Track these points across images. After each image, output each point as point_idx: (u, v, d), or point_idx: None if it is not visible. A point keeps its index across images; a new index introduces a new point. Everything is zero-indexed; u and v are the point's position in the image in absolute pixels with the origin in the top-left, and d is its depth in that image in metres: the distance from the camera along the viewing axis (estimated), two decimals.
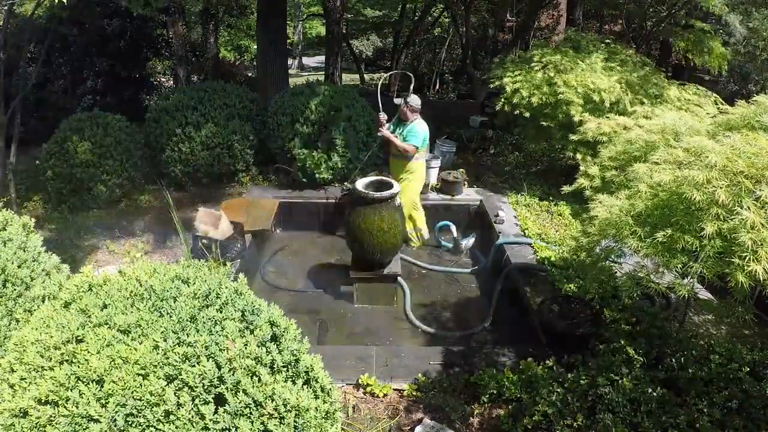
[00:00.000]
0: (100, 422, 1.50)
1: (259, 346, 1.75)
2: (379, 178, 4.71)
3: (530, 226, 5.11)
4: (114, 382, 1.55)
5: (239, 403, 1.60)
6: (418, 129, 5.03)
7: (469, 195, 6.08)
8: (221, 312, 1.85)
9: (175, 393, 1.56)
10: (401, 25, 11.96)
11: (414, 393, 3.03)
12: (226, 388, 1.61)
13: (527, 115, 5.60)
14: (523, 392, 2.89)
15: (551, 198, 5.77)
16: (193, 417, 1.55)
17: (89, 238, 5.12)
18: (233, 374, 1.64)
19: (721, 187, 2.02)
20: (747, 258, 1.88)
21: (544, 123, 5.57)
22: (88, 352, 1.63)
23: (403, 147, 5.02)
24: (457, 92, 12.90)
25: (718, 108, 3.43)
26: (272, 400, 1.65)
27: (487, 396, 2.93)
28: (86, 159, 5.44)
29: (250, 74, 12.48)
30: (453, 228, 5.66)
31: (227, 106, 6.20)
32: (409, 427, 2.81)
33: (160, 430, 1.51)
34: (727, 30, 8.77)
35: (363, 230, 4.27)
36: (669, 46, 11.25)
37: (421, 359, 3.31)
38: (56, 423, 1.52)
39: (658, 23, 8.37)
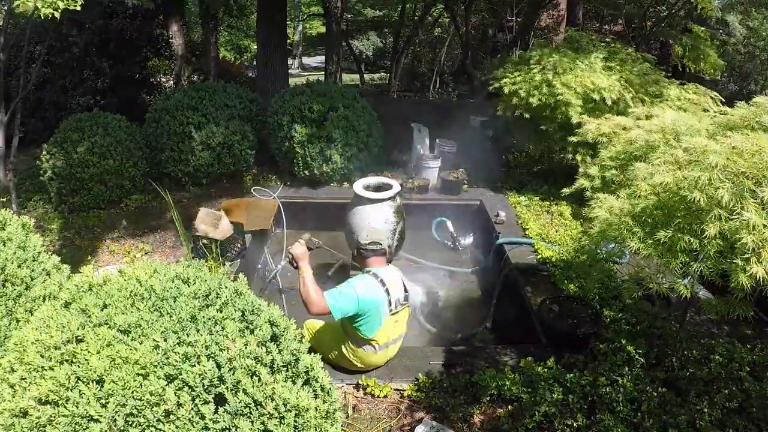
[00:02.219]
0: (100, 422, 1.50)
1: (259, 346, 1.74)
2: (379, 178, 4.72)
3: (531, 227, 5.10)
4: (114, 382, 1.55)
5: (239, 402, 1.60)
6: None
7: (470, 195, 6.08)
8: (221, 312, 1.85)
9: (175, 393, 1.56)
10: (401, 25, 11.96)
11: (414, 393, 3.03)
12: (226, 388, 1.61)
13: (526, 116, 5.60)
14: (524, 392, 2.89)
15: (552, 198, 5.77)
16: (193, 417, 1.54)
17: (89, 238, 5.12)
18: (233, 374, 1.64)
19: (723, 188, 2.01)
20: (749, 259, 1.88)
21: (543, 125, 5.57)
22: (89, 352, 1.63)
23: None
24: (457, 92, 12.90)
25: (718, 108, 3.42)
26: (272, 399, 1.65)
27: (488, 396, 2.93)
28: (86, 159, 5.44)
29: (250, 74, 12.48)
30: (449, 224, 5.67)
31: (227, 107, 6.20)
32: (409, 428, 2.81)
33: (160, 430, 1.51)
34: (727, 30, 8.78)
35: (364, 230, 4.27)
36: (669, 46, 11.26)
37: (422, 359, 3.31)
38: (56, 423, 1.51)
39: (657, 23, 8.38)
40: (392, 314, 2.83)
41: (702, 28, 8.06)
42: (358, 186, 4.40)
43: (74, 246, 4.98)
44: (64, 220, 5.39)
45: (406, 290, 2.91)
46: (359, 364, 3.02)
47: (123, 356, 1.61)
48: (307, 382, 1.85)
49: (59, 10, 3.40)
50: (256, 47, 10.22)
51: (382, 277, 2.81)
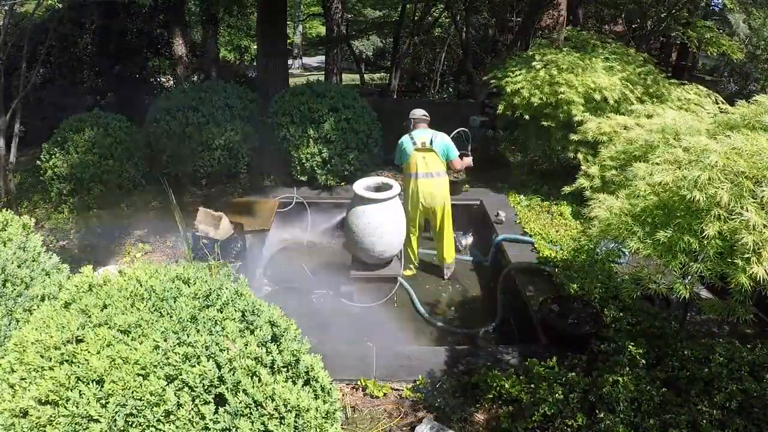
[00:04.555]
0: (100, 422, 1.50)
1: (259, 347, 1.74)
2: (379, 178, 4.72)
3: (531, 226, 5.10)
4: (114, 382, 1.55)
5: (239, 403, 1.60)
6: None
7: (470, 194, 6.08)
8: (221, 312, 1.85)
9: (175, 393, 1.56)
10: (401, 25, 11.95)
11: (414, 393, 3.03)
12: (227, 388, 1.61)
13: (527, 116, 5.60)
14: (524, 393, 2.88)
15: (552, 198, 5.76)
16: (193, 417, 1.55)
17: (89, 238, 5.12)
18: (233, 374, 1.64)
19: (722, 188, 2.01)
20: (749, 259, 1.88)
21: (544, 123, 5.57)
22: (89, 352, 1.63)
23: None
24: (457, 92, 12.90)
25: (719, 107, 3.42)
26: (272, 400, 1.65)
27: (488, 396, 2.93)
28: (86, 159, 5.44)
29: (250, 74, 12.48)
30: None
31: (228, 107, 6.20)
32: (409, 428, 2.81)
33: (160, 430, 1.51)
34: (729, 30, 8.78)
35: (363, 230, 4.27)
36: (669, 46, 11.25)
37: (422, 359, 3.31)
38: (56, 423, 1.52)
39: (658, 23, 8.38)
40: (416, 150, 4.60)
41: (706, 23, 8.09)
42: (358, 186, 4.40)
43: (74, 246, 4.98)
44: (64, 220, 5.39)
45: (431, 141, 4.60)
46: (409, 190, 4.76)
47: (123, 356, 1.61)
48: (307, 383, 1.85)
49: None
50: (256, 47, 10.23)
51: (413, 134, 4.67)
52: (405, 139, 4.67)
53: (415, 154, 4.59)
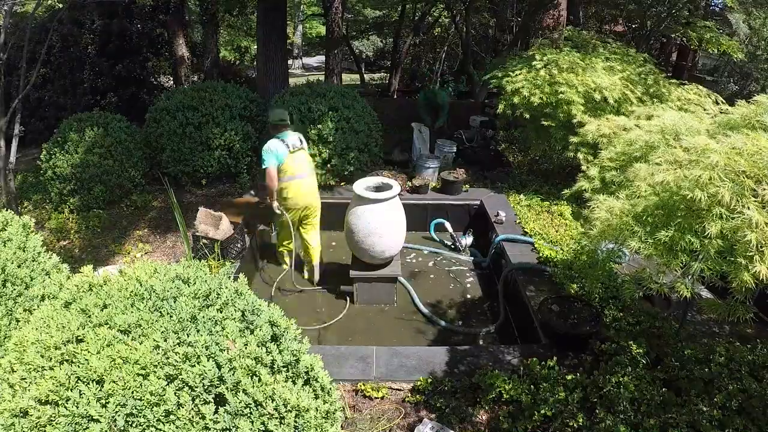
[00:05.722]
0: (101, 422, 1.50)
1: (259, 346, 1.74)
2: (379, 178, 4.71)
3: (531, 226, 5.10)
4: (114, 382, 1.55)
5: (239, 403, 1.60)
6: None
7: (470, 194, 6.08)
8: (221, 312, 1.85)
9: (175, 393, 1.56)
10: (401, 25, 11.95)
11: (414, 394, 3.03)
12: (227, 388, 1.61)
13: (527, 116, 5.60)
14: (525, 393, 2.88)
15: (552, 198, 5.76)
16: (193, 417, 1.54)
17: (89, 238, 5.12)
18: (233, 374, 1.64)
19: (724, 187, 2.01)
20: (752, 257, 1.87)
21: (544, 123, 5.57)
22: (89, 352, 1.63)
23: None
24: (457, 92, 12.90)
25: (719, 107, 3.42)
26: (272, 400, 1.65)
27: (489, 397, 2.92)
28: (86, 159, 5.44)
29: (250, 74, 12.48)
30: (448, 225, 5.66)
31: (228, 107, 6.20)
32: (409, 428, 2.81)
33: (160, 430, 1.51)
34: (729, 30, 8.79)
35: (363, 230, 4.27)
36: (669, 46, 11.25)
37: (422, 360, 3.31)
38: (56, 423, 1.51)
39: (658, 23, 8.38)
40: (291, 152, 4.42)
41: (706, 23, 8.10)
42: (359, 186, 4.40)
43: (74, 246, 4.98)
44: (64, 220, 5.39)
45: (301, 141, 4.54)
46: (287, 197, 4.54)
47: (123, 356, 1.61)
48: (307, 383, 1.85)
49: None
50: (256, 47, 10.22)
51: (283, 137, 4.43)
52: (274, 143, 4.36)
53: (290, 157, 4.43)
